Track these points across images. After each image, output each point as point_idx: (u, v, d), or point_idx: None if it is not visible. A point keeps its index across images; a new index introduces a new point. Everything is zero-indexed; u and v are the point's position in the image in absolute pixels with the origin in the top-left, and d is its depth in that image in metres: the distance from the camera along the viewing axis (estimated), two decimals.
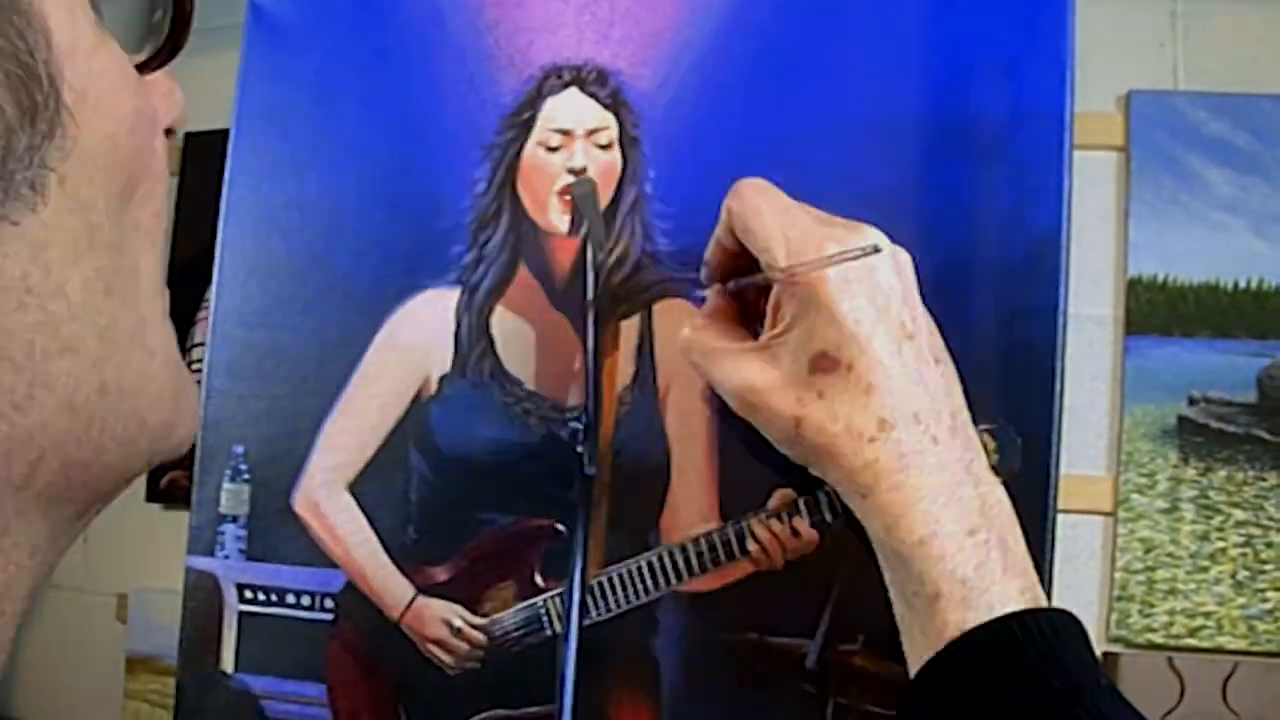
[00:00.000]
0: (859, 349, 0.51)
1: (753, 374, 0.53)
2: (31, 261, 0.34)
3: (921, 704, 0.49)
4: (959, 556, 0.49)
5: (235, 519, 1.14)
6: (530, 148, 1.13)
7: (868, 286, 0.51)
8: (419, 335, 1.14)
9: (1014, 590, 0.49)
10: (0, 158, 0.33)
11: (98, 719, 1.40)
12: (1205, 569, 1.10)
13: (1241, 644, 1.08)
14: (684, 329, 0.55)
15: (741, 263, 0.56)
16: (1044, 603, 0.50)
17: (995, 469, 1.03)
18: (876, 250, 0.52)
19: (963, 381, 1.05)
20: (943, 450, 0.51)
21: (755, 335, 0.55)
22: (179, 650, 1.17)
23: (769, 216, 0.54)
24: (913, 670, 0.50)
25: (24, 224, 0.34)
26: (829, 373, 0.51)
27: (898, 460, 0.51)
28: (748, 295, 0.56)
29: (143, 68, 0.42)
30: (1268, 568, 1.09)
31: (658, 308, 1.13)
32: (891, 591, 0.53)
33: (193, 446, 1.19)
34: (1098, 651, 1.16)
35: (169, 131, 0.43)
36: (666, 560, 1.15)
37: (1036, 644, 0.47)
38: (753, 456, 1.10)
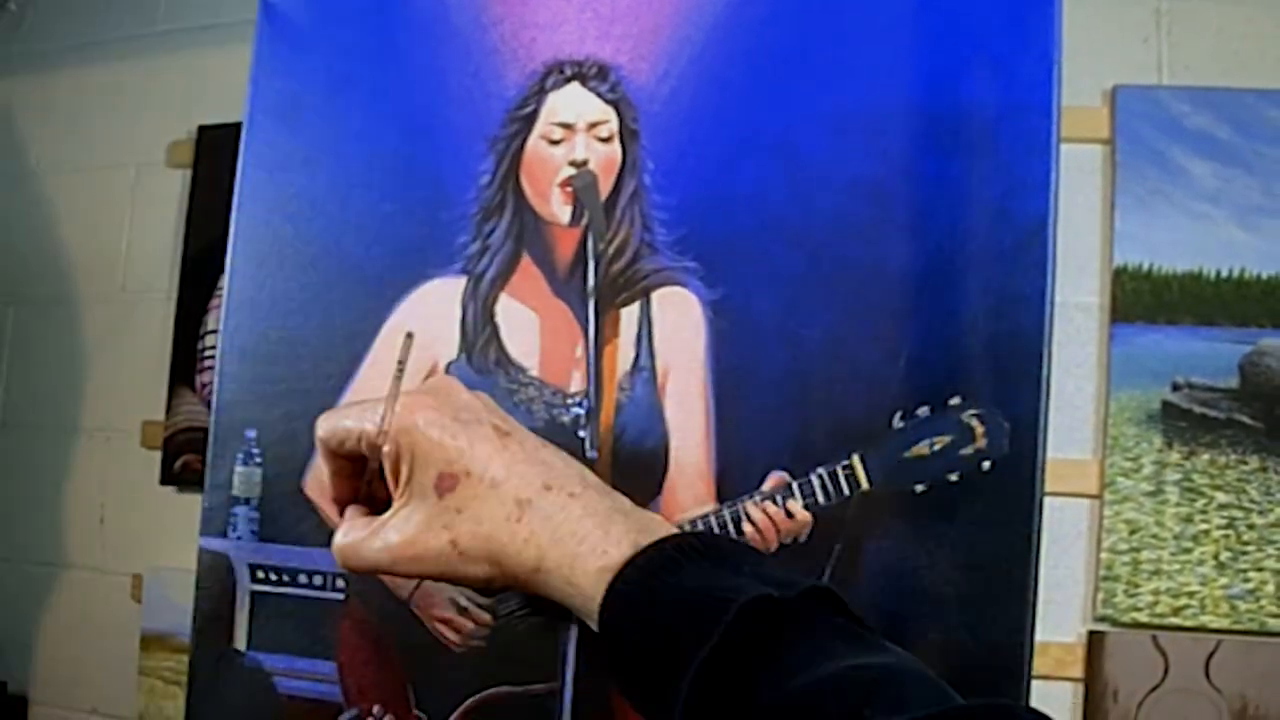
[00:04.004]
0: (468, 457, 0.55)
1: (392, 534, 0.57)
2: None
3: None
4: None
5: (247, 501, 1.17)
6: (533, 141, 1.16)
7: (450, 412, 0.56)
8: (426, 323, 1.17)
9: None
10: None
11: (113, 696, 1.42)
12: (1189, 550, 1.11)
13: (1224, 623, 1.10)
14: (338, 535, 0.59)
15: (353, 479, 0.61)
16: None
17: (983, 452, 1.06)
18: (410, 336, 0.57)
19: (953, 368, 1.08)
20: (583, 501, 0.55)
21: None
22: (192, 628, 1.20)
23: (328, 422, 0.58)
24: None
25: None
26: (453, 489, 0.55)
27: (547, 525, 0.54)
28: (376, 492, 0.60)
29: None
30: (1249, 549, 1.11)
31: (656, 295, 1.16)
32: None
33: (207, 430, 1.23)
34: (1084, 630, 1.19)
35: None
36: None
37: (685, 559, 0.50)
38: (748, 441, 1.13)
